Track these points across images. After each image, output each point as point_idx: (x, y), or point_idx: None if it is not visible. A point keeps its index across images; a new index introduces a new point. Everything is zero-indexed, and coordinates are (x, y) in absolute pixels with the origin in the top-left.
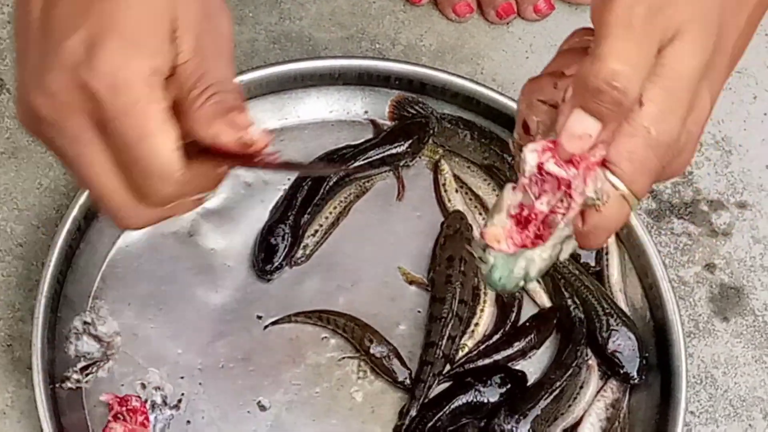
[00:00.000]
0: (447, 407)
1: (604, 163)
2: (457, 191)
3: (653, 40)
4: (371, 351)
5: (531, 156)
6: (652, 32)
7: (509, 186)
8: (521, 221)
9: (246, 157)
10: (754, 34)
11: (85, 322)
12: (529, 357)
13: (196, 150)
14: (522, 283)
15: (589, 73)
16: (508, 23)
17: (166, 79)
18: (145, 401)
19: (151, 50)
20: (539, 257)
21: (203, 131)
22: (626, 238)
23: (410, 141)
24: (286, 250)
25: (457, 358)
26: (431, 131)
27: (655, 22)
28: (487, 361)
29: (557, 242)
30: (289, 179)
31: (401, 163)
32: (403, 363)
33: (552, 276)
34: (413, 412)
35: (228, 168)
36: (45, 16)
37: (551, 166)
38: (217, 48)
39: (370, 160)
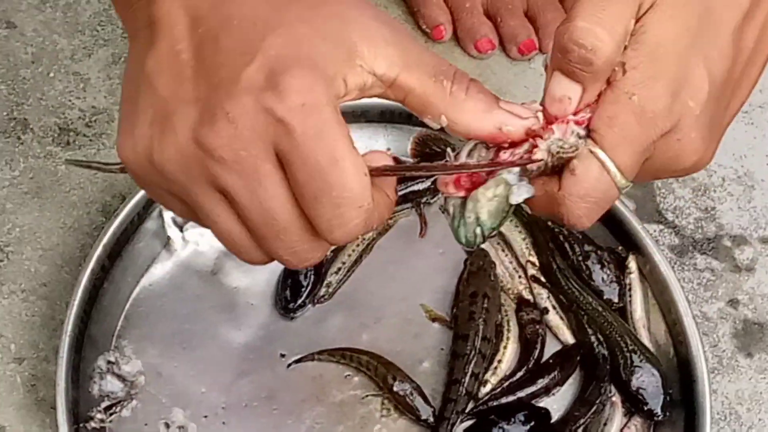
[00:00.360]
0: None
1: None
2: None
3: (627, 4)
4: (394, 388)
5: None
6: None
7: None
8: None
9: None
10: None
11: (108, 362)
12: (553, 394)
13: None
14: (479, 231)
15: (559, 33)
16: (530, 59)
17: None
18: None
19: (332, 74)
20: (483, 196)
21: (486, 125)
22: (649, 274)
23: (432, 178)
24: (309, 287)
25: (481, 395)
26: None
27: None
28: (510, 398)
29: (503, 183)
30: None
31: (423, 200)
32: (426, 400)
33: (575, 312)
34: None
35: (395, 194)
36: (203, 54)
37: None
38: (409, 36)
39: None
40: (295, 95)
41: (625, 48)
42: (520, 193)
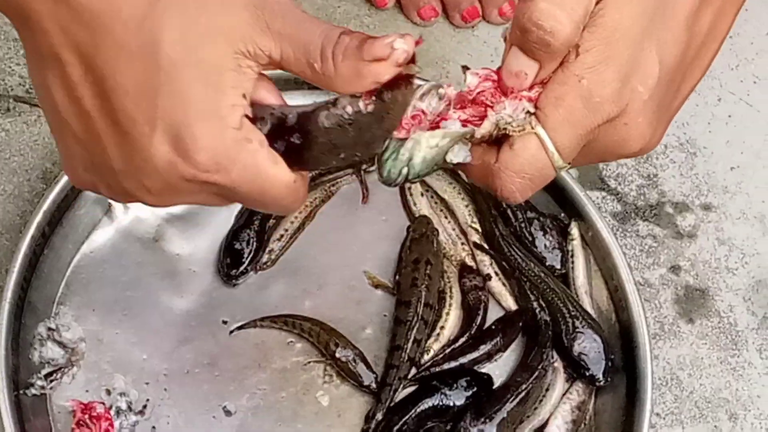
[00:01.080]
0: (413, 411)
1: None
2: (422, 195)
3: None
4: (337, 355)
5: (471, 78)
6: None
7: (430, 87)
8: (418, 117)
9: None
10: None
11: (49, 329)
12: (495, 360)
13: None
14: (404, 171)
15: (519, 11)
16: (473, 27)
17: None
18: (110, 407)
19: (228, 110)
20: (426, 140)
21: (361, 87)
22: (591, 241)
23: None
24: (252, 254)
25: (423, 361)
26: None
27: None
28: (453, 364)
29: (450, 138)
30: None
31: (363, 168)
32: (368, 367)
33: (518, 279)
34: (379, 416)
35: None
36: (104, 106)
37: (485, 94)
38: (292, 16)
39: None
40: (207, 157)
41: (583, 29)
42: (458, 155)
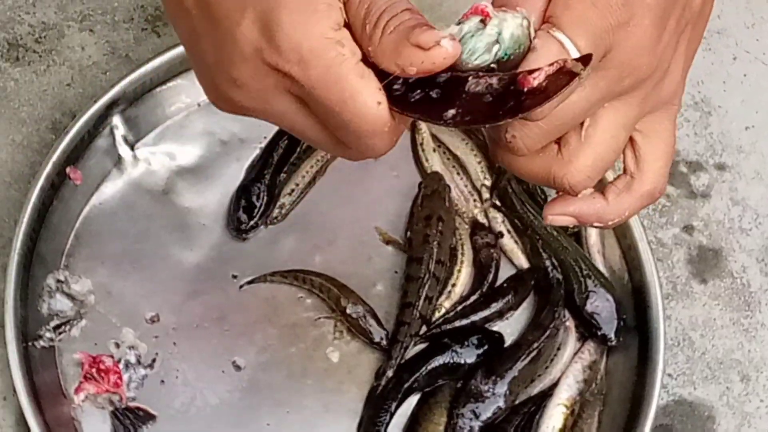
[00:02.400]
0: (424, 368)
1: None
2: (434, 151)
3: None
4: (347, 311)
5: None
6: None
7: None
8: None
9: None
10: None
11: (58, 281)
12: (507, 318)
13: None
14: (495, 48)
15: None
16: None
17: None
18: (119, 360)
19: (324, 7)
20: (513, 19)
21: (392, 65)
22: None
23: None
24: (262, 208)
25: (434, 318)
26: None
27: None
28: (464, 322)
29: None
30: (265, 137)
31: None
32: (379, 323)
33: (530, 237)
34: (390, 373)
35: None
36: (202, 4)
37: None
38: None
39: None
40: (292, 47)
41: None
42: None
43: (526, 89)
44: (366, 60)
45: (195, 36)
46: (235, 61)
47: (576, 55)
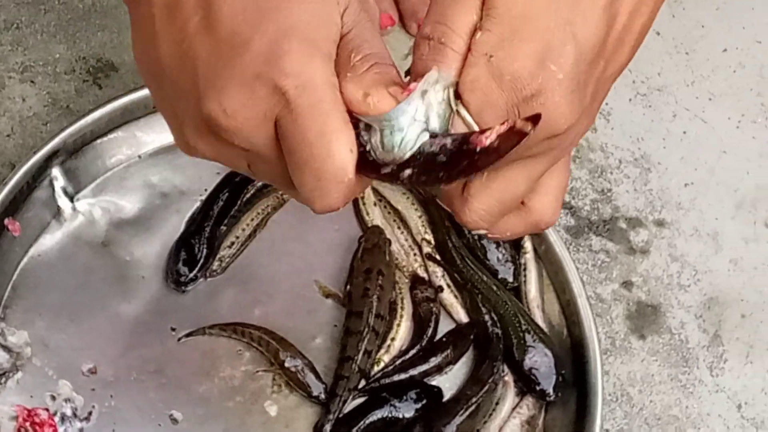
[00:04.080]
0: (362, 422)
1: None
2: (375, 205)
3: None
4: (286, 364)
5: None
6: None
7: None
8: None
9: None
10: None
11: None
12: (446, 372)
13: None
14: (423, 135)
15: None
16: None
17: None
18: (55, 413)
19: (329, 50)
20: (434, 94)
21: (358, 94)
22: (544, 254)
23: None
24: (202, 261)
25: (373, 372)
26: None
27: None
28: (403, 376)
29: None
30: (206, 190)
31: None
32: (318, 377)
33: (469, 291)
34: (328, 427)
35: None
36: (210, 23)
37: None
38: (373, 26)
39: None
40: (295, 71)
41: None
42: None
43: (478, 149)
44: None
45: (188, 64)
46: (229, 89)
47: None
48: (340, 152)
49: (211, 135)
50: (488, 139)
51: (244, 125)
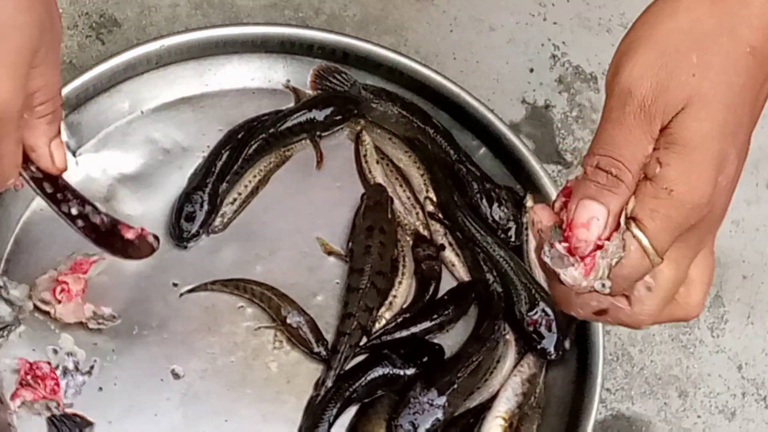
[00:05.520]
0: (363, 379)
1: (633, 219)
2: (378, 163)
3: (648, 122)
4: (288, 321)
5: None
6: (649, 114)
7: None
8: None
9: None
10: None
11: None
12: (447, 330)
13: None
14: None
15: (585, 161)
16: None
17: None
18: (57, 367)
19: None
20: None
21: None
22: None
23: (329, 110)
24: (204, 217)
25: (375, 329)
26: (353, 109)
27: (653, 106)
28: (404, 333)
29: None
30: (208, 146)
31: (317, 133)
32: (319, 333)
33: (471, 250)
34: (329, 383)
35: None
36: None
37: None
38: (54, 58)
39: (288, 126)
40: None
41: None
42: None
43: None
44: None
45: None
46: None
47: (654, 256)
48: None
49: None
50: None
51: None
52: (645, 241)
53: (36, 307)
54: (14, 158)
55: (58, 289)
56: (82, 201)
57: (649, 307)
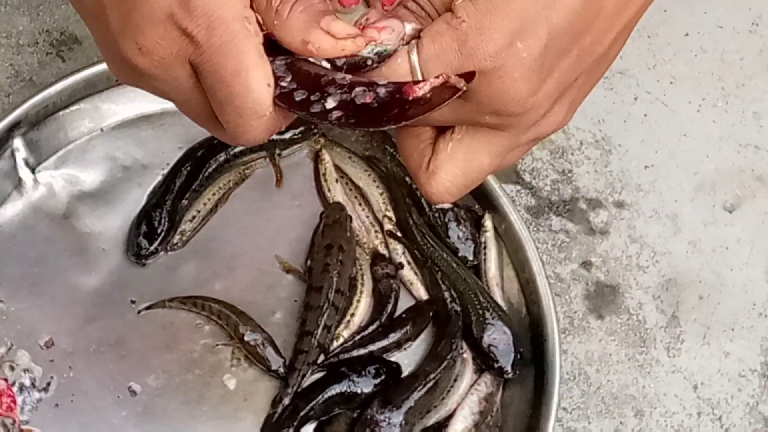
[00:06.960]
0: (320, 396)
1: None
2: (337, 181)
3: None
4: (245, 338)
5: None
6: None
7: None
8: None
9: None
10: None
11: None
12: (405, 349)
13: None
14: None
15: None
16: None
17: None
18: (13, 383)
19: None
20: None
21: (297, 42)
22: (504, 233)
23: (289, 129)
24: (163, 234)
25: (332, 347)
26: (313, 128)
27: None
28: (362, 351)
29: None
30: (168, 164)
31: (276, 151)
32: (277, 351)
33: (429, 268)
34: (286, 401)
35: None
36: None
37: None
38: None
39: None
40: (204, 12)
41: None
42: None
43: (410, 98)
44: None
45: (102, 5)
46: (143, 27)
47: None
48: (258, 87)
49: (135, 72)
50: (421, 90)
51: (160, 64)
52: (415, 62)
53: None
54: (261, 75)
55: None
56: (351, 84)
57: (445, 175)
